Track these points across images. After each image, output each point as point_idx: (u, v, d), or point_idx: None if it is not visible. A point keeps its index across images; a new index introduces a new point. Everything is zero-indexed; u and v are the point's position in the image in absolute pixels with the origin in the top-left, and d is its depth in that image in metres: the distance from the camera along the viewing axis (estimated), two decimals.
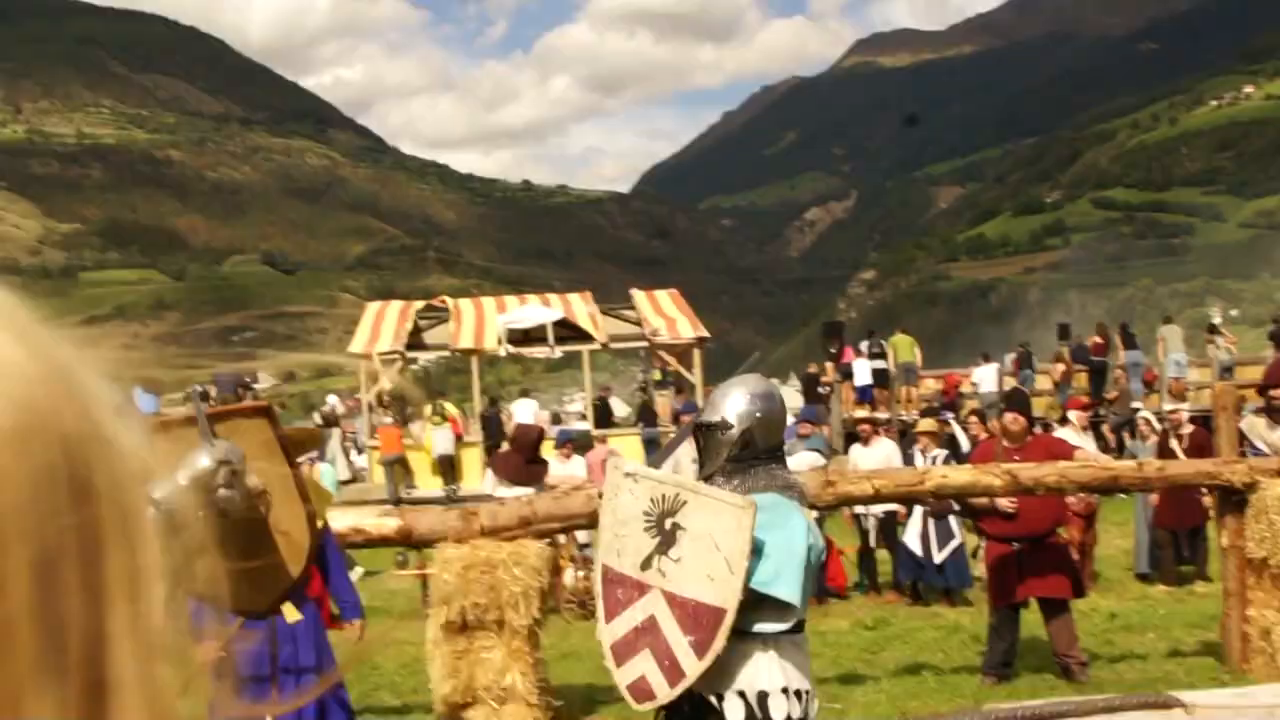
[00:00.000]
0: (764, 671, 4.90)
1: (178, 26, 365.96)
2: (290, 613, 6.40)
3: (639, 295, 30.00)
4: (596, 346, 28.83)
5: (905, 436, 20.65)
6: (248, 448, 4.90)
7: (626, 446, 23.33)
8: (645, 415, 28.33)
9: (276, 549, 5.34)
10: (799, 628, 5.04)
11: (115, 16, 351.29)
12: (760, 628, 4.89)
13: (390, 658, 12.06)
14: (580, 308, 29.29)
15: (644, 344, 29.23)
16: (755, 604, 4.80)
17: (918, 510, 14.27)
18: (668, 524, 4.87)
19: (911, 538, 14.52)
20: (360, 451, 29.15)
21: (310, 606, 6.91)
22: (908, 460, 15.27)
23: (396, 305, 31.53)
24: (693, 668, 4.76)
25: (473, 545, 8.68)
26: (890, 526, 15.16)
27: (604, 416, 28.99)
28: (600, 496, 5.39)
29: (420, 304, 31.22)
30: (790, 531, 4.87)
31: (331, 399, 33.44)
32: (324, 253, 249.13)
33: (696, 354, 28.38)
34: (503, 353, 28.68)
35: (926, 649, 11.74)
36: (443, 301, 31.07)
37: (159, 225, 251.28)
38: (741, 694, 4.89)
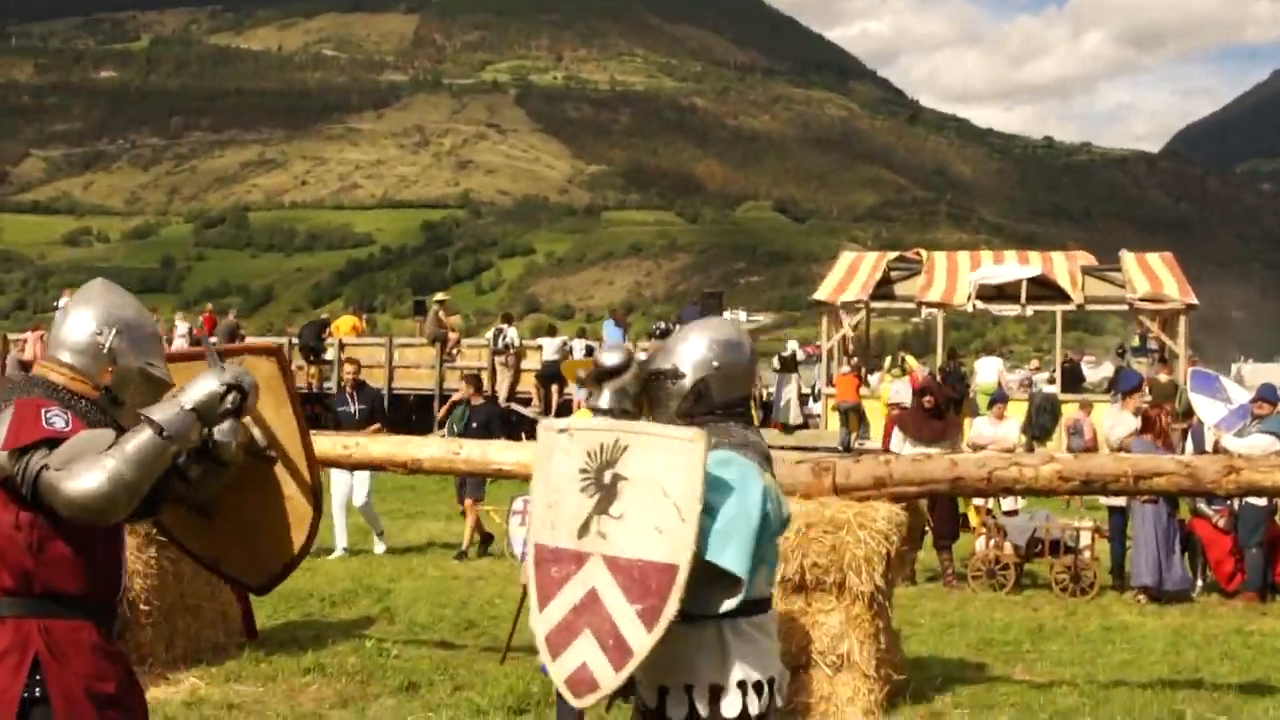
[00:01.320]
0: (716, 661, 4.21)
1: None
2: None
3: (1128, 256, 28.38)
4: (1071, 307, 27.56)
5: None
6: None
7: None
8: (1119, 388, 26.84)
9: (280, 514, 4.84)
10: (761, 607, 4.32)
11: None
12: (712, 609, 4.16)
13: None
14: (1061, 266, 28.04)
15: (1124, 307, 27.69)
16: (706, 580, 4.05)
17: None
18: (607, 476, 4.11)
19: None
20: (816, 399, 29.01)
21: None
22: None
23: (871, 256, 31.15)
24: (641, 642, 3.98)
25: (819, 502, 8.23)
26: None
27: (1072, 380, 27.57)
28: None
29: (893, 255, 30.71)
30: (745, 494, 4.17)
31: (791, 344, 33.38)
32: (835, 203, 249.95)
33: (1183, 322, 26.55)
34: (970, 308, 27.83)
35: None
36: (916, 254, 30.48)
37: (678, 170, 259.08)
38: (689, 688, 4.22)
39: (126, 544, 4.19)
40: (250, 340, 5.87)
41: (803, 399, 28.98)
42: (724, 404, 4.43)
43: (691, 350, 4.49)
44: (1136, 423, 14.05)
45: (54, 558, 3.77)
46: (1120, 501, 13.28)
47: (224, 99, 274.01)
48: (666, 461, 4.05)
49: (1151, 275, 27.07)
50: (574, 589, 4.12)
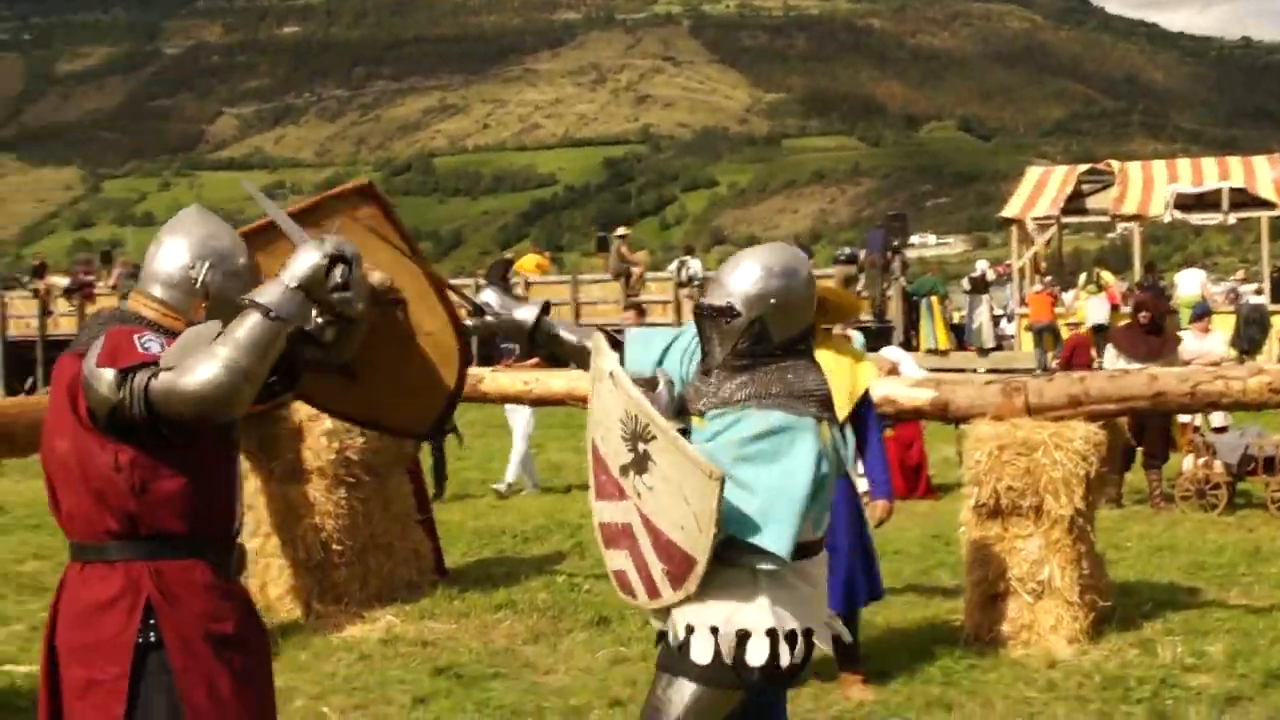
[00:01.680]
0: (748, 606, 4.00)
1: None
2: None
3: None
4: (1276, 213, 26.45)
5: None
6: (360, 243, 4.10)
7: None
8: None
9: (425, 354, 4.57)
10: (806, 551, 4.07)
11: None
12: (748, 562, 3.97)
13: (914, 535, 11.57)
14: (1263, 173, 26.90)
15: None
16: (745, 546, 3.93)
17: None
18: (640, 448, 3.98)
19: None
20: (1010, 319, 28.37)
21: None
22: None
23: (1060, 170, 30.33)
24: (669, 594, 4.00)
25: (1012, 423, 7.94)
26: None
27: None
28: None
29: (1084, 167, 29.85)
30: (790, 465, 3.94)
31: (981, 264, 32.66)
32: (1021, 119, 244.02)
33: None
34: (1168, 219, 26.91)
35: None
36: (1108, 166, 29.54)
37: (858, 93, 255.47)
38: (714, 630, 4.01)
39: (239, 479, 4.02)
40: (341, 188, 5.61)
41: (995, 320, 28.37)
42: (783, 343, 4.16)
43: (744, 283, 4.17)
44: None
45: (159, 497, 3.62)
46: None
47: (403, 47, 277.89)
48: (687, 479, 3.89)
49: None
50: (616, 511, 4.12)
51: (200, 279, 3.83)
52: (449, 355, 4.55)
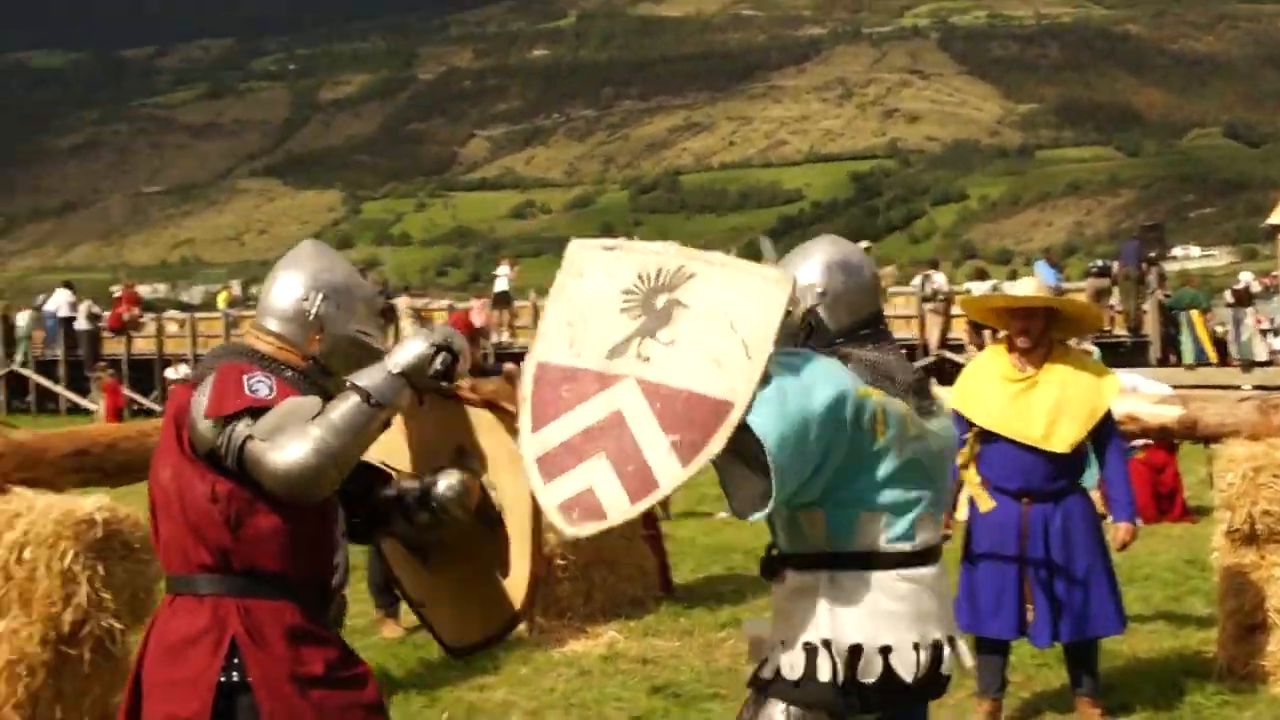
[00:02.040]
0: (798, 615, 3.90)
1: None
2: None
3: None
4: None
5: None
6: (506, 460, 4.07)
7: None
8: None
9: (498, 585, 4.33)
10: (875, 562, 3.88)
11: None
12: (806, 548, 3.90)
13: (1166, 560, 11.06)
14: None
15: None
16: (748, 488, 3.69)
17: None
18: (660, 301, 3.72)
19: None
20: (1277, 334, 27.24)
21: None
22: None
23: None
24: (671, 475, 3.53)
25: (1269, 443, 7.49)
26: None
27: None
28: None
29: None
30: (805, 379, 3.73)
31: (1245, 275, 31.45)
32: None
33: None
34: None
35: None
36: None
37: (1114, 102, 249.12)
38: (796, 644, 3.86)
39: (339, 522, 3.94)
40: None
41: (1263, 335, 27.34)
42: (842, 331, 4.04)
43: (796, 278, 4.00)
44: None
45: (254, 533, 3.58)
46: None
47: (650, 67, 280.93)
48: (741, 296, 3.67)
49: None
50: (590, 410, 3.68)
51: (314, 312, 3.83)
52: (516, 594, 4.39)
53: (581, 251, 3.97)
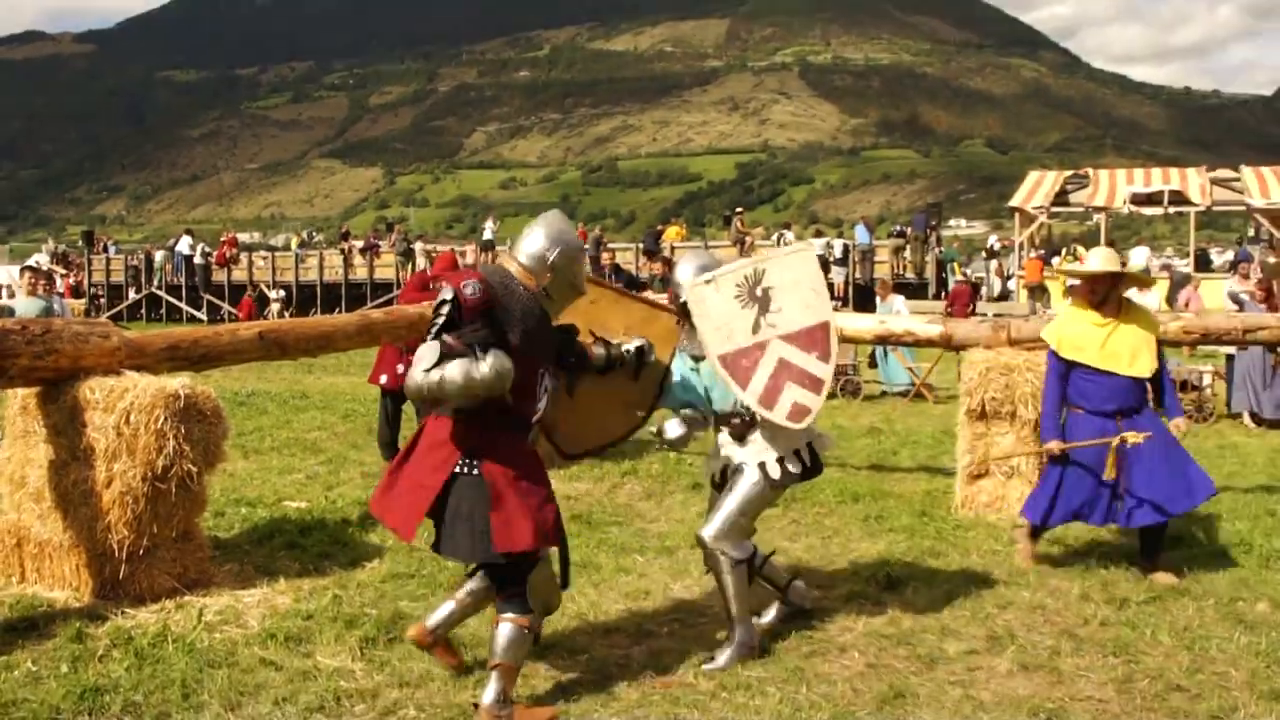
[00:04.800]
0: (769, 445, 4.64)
1: None
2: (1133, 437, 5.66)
3: (1247, 170, 25.79)
4: (1201, 208, 25.18)
5: None
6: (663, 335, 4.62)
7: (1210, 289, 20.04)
8: (1235, 266, 24.57)
9: (618, 416, 4.73)
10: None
11: None
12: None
13: (930, 430, 11.04)
14: (1194, 181, 25.67)
15: (1242, 208, 25.13)
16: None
17: None
18: (759, 291, 4.27)
19: None
20: (1010, 279, 27.47)
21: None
22: None
23: (1052, 174, 29.12)
24: (825, 371, 4.29)
25: (998, 351, 7.57)
26: None
27: (1202, 264, 25.29)
28: (690, 314, 4.49)
29: (1068, 173, 28.58)
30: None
31: (993, 238, 31.70)
32: (1030, 140, 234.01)
33: None
34: (1125, 211, 25.77)
35: None
36: (1085, 172, 28.24)
37: (915, 119, 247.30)
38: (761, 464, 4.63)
39: (543, 376, 4.13)
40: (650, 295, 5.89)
41: (1004, 279, 27.60)
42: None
43: (682, 273, 4.57)
44: (1247, 285, 13.02)
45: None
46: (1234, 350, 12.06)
47: (600, 85, 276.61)
48: (795, 266, 4.26)
49: (1263, 183, 24.61)
50: (766, 365, 4.25)
51: (550, 259, 4.08)
52: (626, 425, 4.78)
53: (696, 287, 4.41)
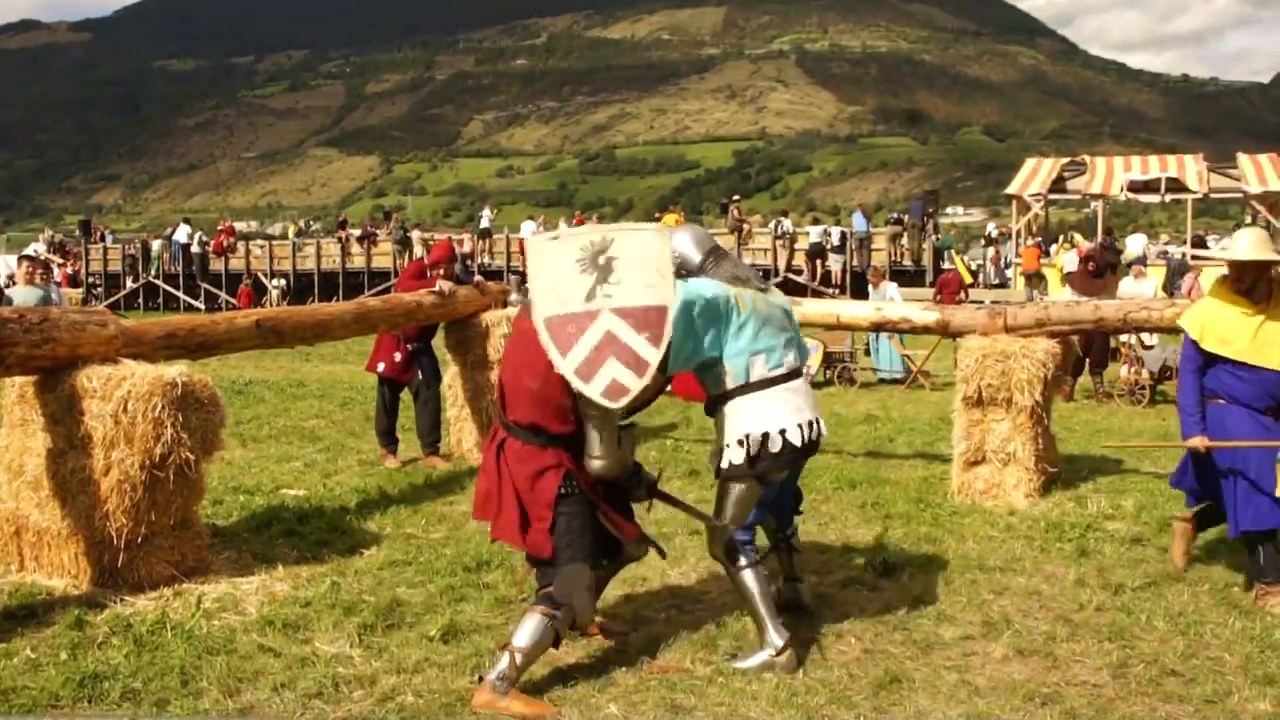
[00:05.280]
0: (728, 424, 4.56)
1: None
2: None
3: (1243, 158, 25.74)
4: (1199, 196, 25.16)
5: None
6: None
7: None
8: None
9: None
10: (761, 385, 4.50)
11: None
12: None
13: (926, 417, 11.03)
14: (1191, 167, 25.57)
15: (1239, 195, 25.12)
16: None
17: None
18: (602, 259, 4.05)
19: None
20: (1008, 266, 27.45)
21: None
22: None
23: (1049, 161, 29.06)
24: (652, 356, 4.05)
25: (994, 338, 7.58)
26: None
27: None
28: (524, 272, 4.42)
29: (1066, 160, 28.54)
30: (689, 293, 4.36)
31: (990, 226, 31.68)
32: (1027, 128, 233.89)
33: None
34: (1122, 198, 25.71)
35: None
36: (1082, 159, 28.18)
37: (912, 106, 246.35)
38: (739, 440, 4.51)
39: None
40: None
41: (1001, 266, 27.59)
42: (703, 264, 4.63)
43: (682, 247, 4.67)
44: None
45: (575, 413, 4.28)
46: None
47: (597, 73, 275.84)
48: (645, 244, 4.08)
49: (1260, 171, 24.55)
50: (592, 335, 4.04)
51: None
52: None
53: (536, 244, 4.19)
